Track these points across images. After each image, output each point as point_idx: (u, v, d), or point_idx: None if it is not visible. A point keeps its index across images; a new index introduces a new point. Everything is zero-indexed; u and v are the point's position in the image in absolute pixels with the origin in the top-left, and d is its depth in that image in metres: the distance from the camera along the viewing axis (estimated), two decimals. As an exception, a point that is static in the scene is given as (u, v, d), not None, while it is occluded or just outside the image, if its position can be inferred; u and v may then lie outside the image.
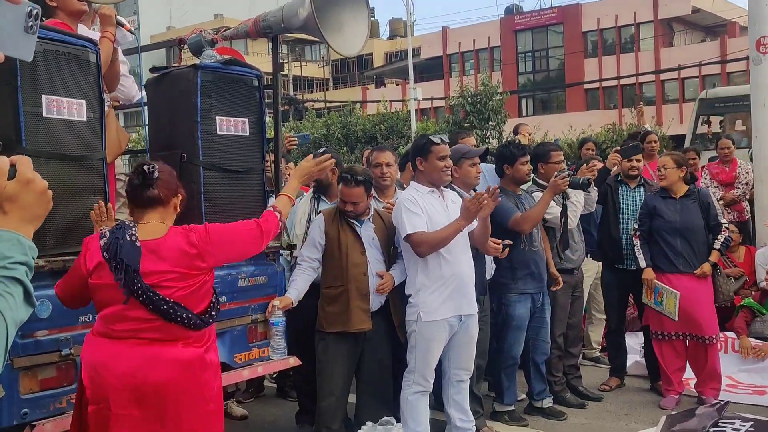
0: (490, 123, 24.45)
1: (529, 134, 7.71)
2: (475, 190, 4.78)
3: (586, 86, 38.46)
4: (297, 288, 4.37)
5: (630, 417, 5.37)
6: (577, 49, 39.63)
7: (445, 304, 4.27)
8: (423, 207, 4.27)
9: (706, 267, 5.45)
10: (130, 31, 4.18)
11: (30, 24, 1.41)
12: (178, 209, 3.06)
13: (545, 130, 24.48)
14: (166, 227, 2.98)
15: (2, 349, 1.39)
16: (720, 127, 14.59)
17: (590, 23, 39.68)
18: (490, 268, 5.01)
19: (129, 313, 2.86)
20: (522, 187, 5.37)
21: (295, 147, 5.68)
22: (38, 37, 3.16)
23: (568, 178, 5.00)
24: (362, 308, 4.36)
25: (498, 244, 4.50)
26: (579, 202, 5.50)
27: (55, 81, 3.33)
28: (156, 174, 2.94)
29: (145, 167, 2.95)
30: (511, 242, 4.68)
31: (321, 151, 5.11)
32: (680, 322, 5.45)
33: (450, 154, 4.46)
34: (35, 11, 1.43)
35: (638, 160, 6.01)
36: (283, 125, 5.46)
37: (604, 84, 37.16)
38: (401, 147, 17.79)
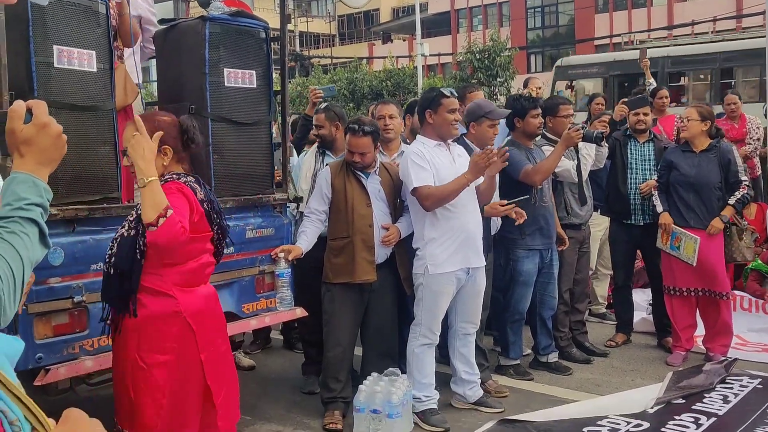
0: (498, 79, 24.28)
1: (539, 88, 7.67)
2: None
3: (597, 42, 37.96)
4: (307, 238, 4.43)
5: (636, 373, 5.42)
6: (587, 5, 39.03)
7: (452, 256, 4.32)
8: (430, 160, 4.30)
9: (716, 222, 5.38)
10: None
11: None
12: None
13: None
14: None
15: (20, 286, 1.45)
16: (571, 93, 17.00)
17: (601, -22, 39.06)
18: (495, 223, 5.05)
19: (209, 260, 3.13)
20: None
21: (320, 99, 5.72)
22: (48, -12, 3.19)
23: (582, 131, 5.01)
24: (367, 260, 4.41)
25: (504, 205, 4.54)
26: (590, 156, 5.52)
27: (66, 31, 3.35)
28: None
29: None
30: (527, 196, 4.68)
31: (323, 107, 5.15)
32: (693, 277, 5.46)
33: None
34: None
35: (645, 114, 5.95)
36: (289, 81, 5.46)
37: (615, 40, 36.64)
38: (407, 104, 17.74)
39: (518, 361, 5.35)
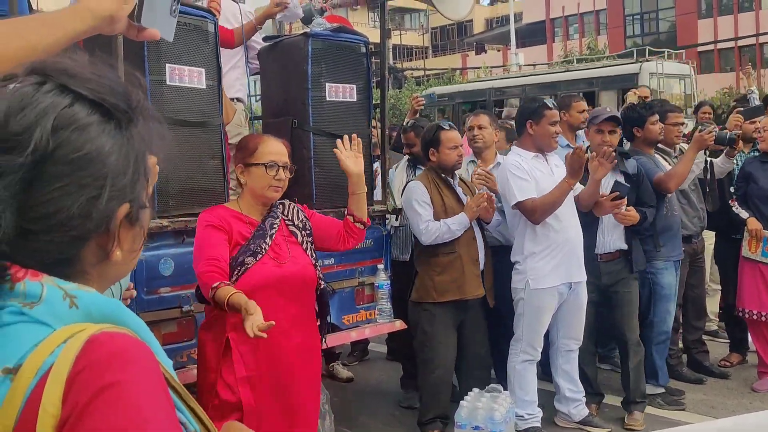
0: (595, 88, 23.71)
1: (646, 97, 7.43)
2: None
3: (700, 48, 36.56)
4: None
5: (754, 395, 5.13)
6: (689, 10, 37.66)
7: (555, 271, 4.22)
8: (529, 172, 4.22)
9: None
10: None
11: (173, 7, 1.50)
12: (241, 179, 3.04)
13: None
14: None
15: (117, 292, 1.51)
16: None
17: (703, -19, 37.67)
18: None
19: None
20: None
21: (422, 107, 5.75)
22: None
23: (714, 133, 4.83)
24: (475, 274, 4.31)
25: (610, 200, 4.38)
26: (699, 164, 5.29)
27: (178, 50, 3.47)
28: None
29: None
30: (618, 193, 4.42)
31: (411, 124, 5.14)
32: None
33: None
34: None
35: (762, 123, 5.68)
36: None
37: (720, 45, 35.21)
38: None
39: (663, 389, 5.00)
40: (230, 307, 2.59)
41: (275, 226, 3.02)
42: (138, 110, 0.94)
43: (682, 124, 5.46)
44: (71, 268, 0.89)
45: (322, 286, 3.10)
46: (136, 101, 0.94)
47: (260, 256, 2.90)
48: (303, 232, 3.10)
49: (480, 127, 4.95)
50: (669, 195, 4.88)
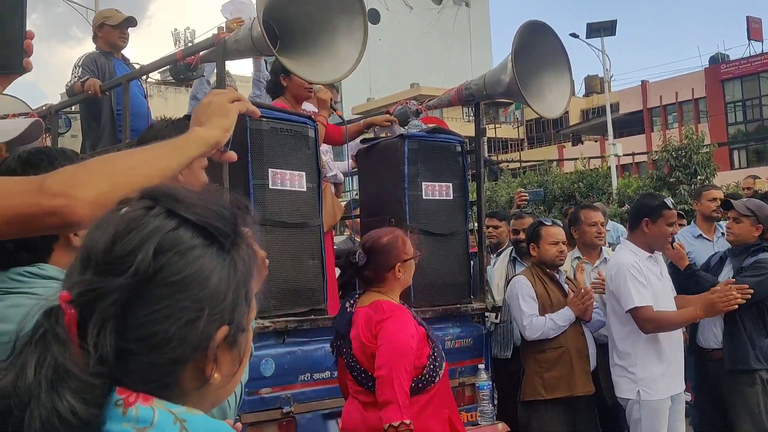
0: (699, 177, 23.03)
1: (749, 188, 7.14)
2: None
3: (807, 134, 35.26)
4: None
5: None
6: (793, 94, 36.60)
7: (665, 379, 3.99)
8: (646, 276, 4.04)
9: None
10: (341, 117, 4.54)
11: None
12: (400, 273, 3.02)
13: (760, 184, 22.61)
14: (373, 297, 3.02)
15: (235, 405, 1.52)
16: None
17: (808, 67, 36.65)
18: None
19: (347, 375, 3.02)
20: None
21: (525, 203, 5.76)
22: (264, 117, 3.50)
23: None
24: (584, 369, 4.17)
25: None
26: None
27: (280, 155, 3.62)
28: (361, 261, 3.02)
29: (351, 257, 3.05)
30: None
31: (523, 212, 5.13)
32: None
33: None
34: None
35: None
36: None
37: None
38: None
39: None
40: None
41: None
42: (242, 234, 0.97)
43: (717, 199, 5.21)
44: (171, 390, 0.90)
45: None
46: (240, 225, 0.97)
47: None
48: None
49: (602, 224, 4.88)
50: None
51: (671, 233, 4.16)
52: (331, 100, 4.51)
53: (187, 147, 1.42)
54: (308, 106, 4.46)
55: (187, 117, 2.28)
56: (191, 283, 0.89)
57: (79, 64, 5.16)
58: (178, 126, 1.88)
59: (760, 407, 4.28)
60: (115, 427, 0.85)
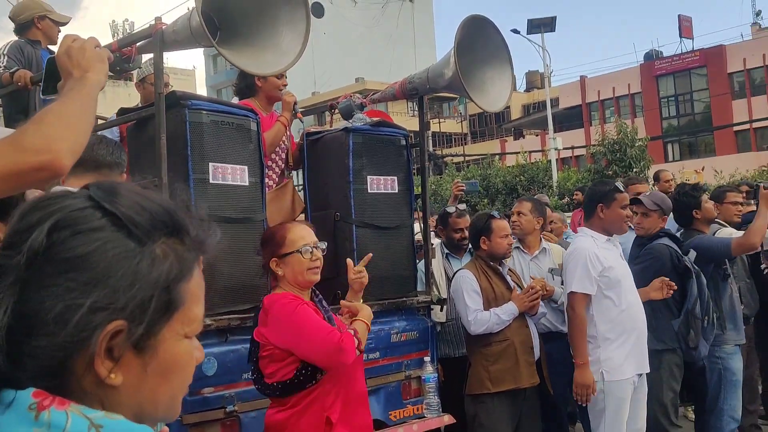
0: (634, 170, 23.62)
1: (668, 181, 7.40)
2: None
3: (736, 128, 36.48)
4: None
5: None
6: (722, 91, 37.86)
7: (628, 360, 4.06)
8: (603, 261, 4.11)
9: None
10: (301, 120, 4.48)
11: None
12: (278, 269, 2.95)
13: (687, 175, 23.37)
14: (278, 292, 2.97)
15: None
16: None
17: (735, 64, 38.03)
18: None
19: None
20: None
21: (462, 193, 5.81)
22: (205, 110, 3.42)
23: None
24: (529, 361, 4.22)
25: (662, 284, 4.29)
26: None
27: (221, 149, 3.54)
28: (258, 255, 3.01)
29: None
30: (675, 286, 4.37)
31: (451, 210, 5.18)
32: None
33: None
34: None
35: None
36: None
37: (756, 125, 35.14)
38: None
39: None
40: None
41: (326, 306, 3.05)
42: (180, 237, 0.91)
43: (741, 203, 5.51)
44: (70, 388, 0.84)
45: None
46: (187, 230, 0.92)
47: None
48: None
49: (519, 213, 4.94)
50: (731, 278, 4.80)
51: (626, 215, 4.25)
52: (295, 103, 4.44)
53: (94, 94, 1.58)
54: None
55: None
56: (83, 264, 0.83)
57: (5, 53, 4.96)
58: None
59: (661, 385, 4.45)
60: None
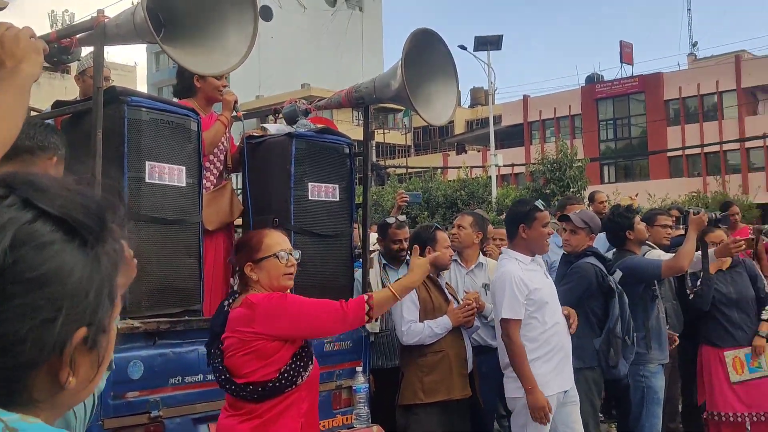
0: (571, 190, 24.14)
1: (602, 203, 7.60)
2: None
3: (669, 154, 37.74)
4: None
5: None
6: (658, 117, 39.12)
7: (554, 376, 4.06)
8: (528, 283, 4.08)
9: (759, 341, 5.23)
10: (239, 119, 4.40)
11: None
12: (253, 273, 2.92)
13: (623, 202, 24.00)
14: (244, 296, 2.91)
15: (84, 418, 1.43)
16: None
17: (672, 92, 39.30)
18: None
19: None
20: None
21: (405, 204, 5.82)
22: (145, 107, 3.34)
23: (706, 214, 4.99)
24: (462, 373, 4.24)
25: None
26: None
27: (159, 148, 3.46)
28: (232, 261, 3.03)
29: None
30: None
31: (391, 221, 5.18)
32: (741, 402, 5.18)
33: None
34: None
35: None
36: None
37: (688, 152, 36.45)
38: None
39: None
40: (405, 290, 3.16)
41: None
42: (109, 229, 0.89)
43: (671, 226, 5.65)
44: (16, 398, 0.81)
45: None
46: (109, 220, 0.89)
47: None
48: None
49: (459, 227, 4.99)
50: (659, 299, 4.93)
51: (548, 233, 4.29)
52: (236, 102, 4.37)
53: (27, 85, 1.54)
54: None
55: None
56: (49, 281, 0.81)
57: None
58: None
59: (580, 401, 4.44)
60: None
